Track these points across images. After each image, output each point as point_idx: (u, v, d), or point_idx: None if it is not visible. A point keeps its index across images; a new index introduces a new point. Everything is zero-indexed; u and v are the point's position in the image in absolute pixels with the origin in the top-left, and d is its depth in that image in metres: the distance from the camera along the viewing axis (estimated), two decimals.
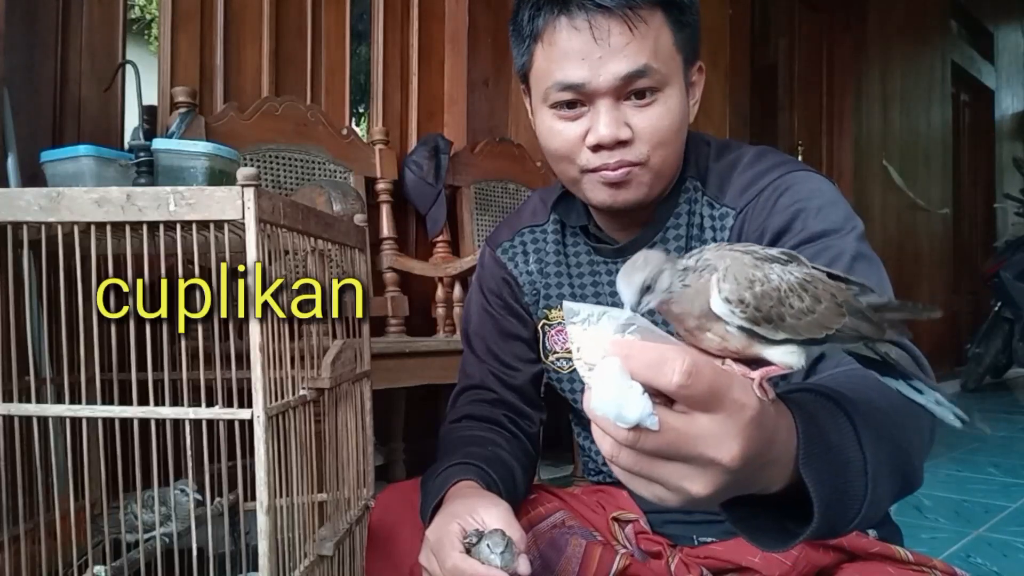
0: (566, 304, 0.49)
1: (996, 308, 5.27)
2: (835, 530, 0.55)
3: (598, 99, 0.84)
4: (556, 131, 0.88)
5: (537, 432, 1.07)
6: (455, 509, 0.80)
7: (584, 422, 1.03)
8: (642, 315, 0.48)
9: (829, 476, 0.52)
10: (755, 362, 0.50)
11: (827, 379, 0.66)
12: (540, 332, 1.05)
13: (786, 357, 0.50)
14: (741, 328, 0.49)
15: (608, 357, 0.45)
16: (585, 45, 0.82)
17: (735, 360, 0.50)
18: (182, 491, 1.15)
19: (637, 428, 0.44)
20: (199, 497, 1.07)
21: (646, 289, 0.51)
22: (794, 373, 0.51)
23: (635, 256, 0.52)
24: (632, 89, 0.84)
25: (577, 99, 0.85)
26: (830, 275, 0.53)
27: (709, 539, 0.93)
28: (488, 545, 0.72)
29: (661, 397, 0.45)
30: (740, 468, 0.46)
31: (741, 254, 0.51)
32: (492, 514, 0.77)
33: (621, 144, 0.85)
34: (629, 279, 0.51)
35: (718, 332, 0.50)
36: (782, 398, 0.53)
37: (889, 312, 0.52)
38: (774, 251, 0.52)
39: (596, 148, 0.85)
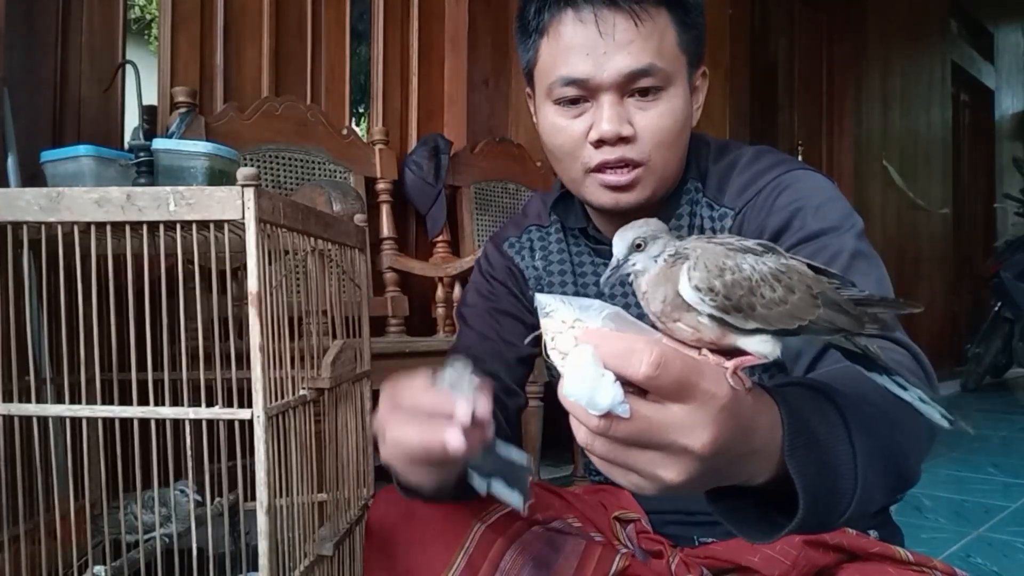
0: (538, 297, 0.49)
1: (996, 308, 5.27)
2: (824, 524, 0.54)
3: (601, 94, 0.84)
4: (559, 127, 0.87)
5: (518, 411, 1.03)
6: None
7: None
8: (624, 286, 0.49)
9: (815, 468, 0.52)
10: (733, 353, 0.50)
11: (821, 374, 0.65)
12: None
13: (760, 347, 0.50)
14: (712, 317, 0.49)
15: (581, 344, 0.45)
16: (590, 39, 0.82)
17: (712, 351, 0.50)
18: (182, 491, 1.15)
19: (609, 416, 0.44)
20: (199, 497, 1.07)
21: (636, 247, 0.52)
22: (776, 366, 0.50)
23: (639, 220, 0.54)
24: (636, 87, 0.84)
25: (581, 95, 0.85)
26: (811, 267, 0.53)
27: (709, 540, 0.93)
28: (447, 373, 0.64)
29: (634, 386, 0.45)
30: (713, 456, 0.46)
31: (716, 245, 0.51)
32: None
33: (623, 141, 0.84)
34: (623, 235, 0.53)
35: (689, 322, 0.50)
36: (769, 391, 0.53)
37: (871, 306, 0.52)
38: (750, 242, 0.52)
39: (598, 144, 0.85)
